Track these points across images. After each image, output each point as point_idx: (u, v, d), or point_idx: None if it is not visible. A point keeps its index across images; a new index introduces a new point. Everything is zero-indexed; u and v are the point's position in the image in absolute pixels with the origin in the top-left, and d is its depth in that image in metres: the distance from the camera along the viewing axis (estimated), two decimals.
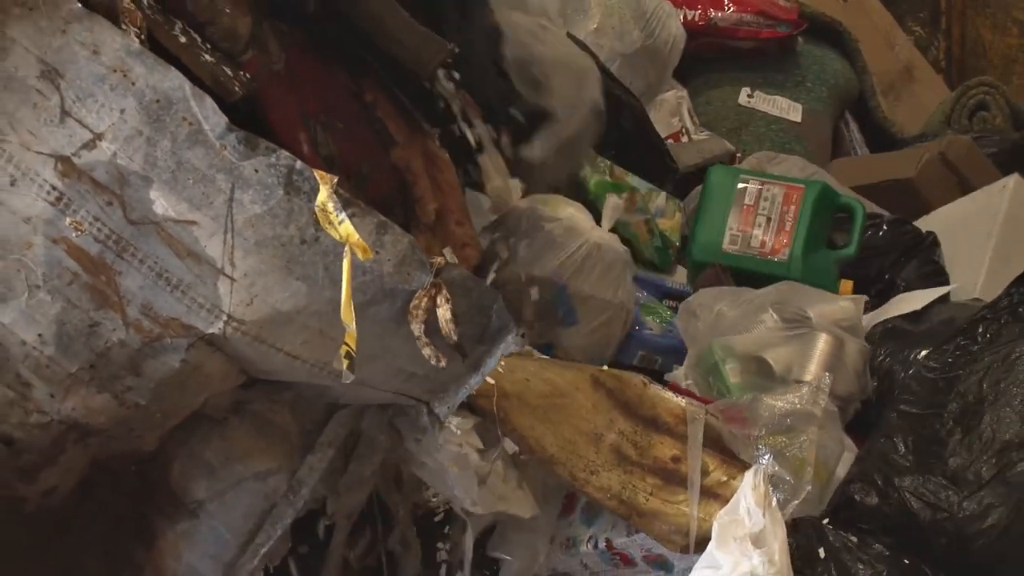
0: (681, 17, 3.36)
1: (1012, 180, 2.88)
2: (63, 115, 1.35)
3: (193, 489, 1.66)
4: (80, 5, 1.34)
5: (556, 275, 2.29)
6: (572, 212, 2.35)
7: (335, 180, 1.30)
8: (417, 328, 1.35)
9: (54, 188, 1.36)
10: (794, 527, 1.86)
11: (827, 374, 2.17)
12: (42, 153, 1.36)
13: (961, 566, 1.85)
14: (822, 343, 2.26)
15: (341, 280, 1.32)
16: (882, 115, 3.77)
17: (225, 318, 1.36)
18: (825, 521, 1.94)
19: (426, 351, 1.35)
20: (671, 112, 3.37)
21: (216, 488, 1.67)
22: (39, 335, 1.39)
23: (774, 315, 2.30)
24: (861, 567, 1.88)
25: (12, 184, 1.37)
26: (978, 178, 3.09)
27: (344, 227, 1.28)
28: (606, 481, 1.83)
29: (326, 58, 1.75)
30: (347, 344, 1.28)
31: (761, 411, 2.08)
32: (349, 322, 1.28)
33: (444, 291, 1.36)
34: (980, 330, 2.12)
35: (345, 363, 1.28)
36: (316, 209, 1.29)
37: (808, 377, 2.24)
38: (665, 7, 3.17)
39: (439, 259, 1.38)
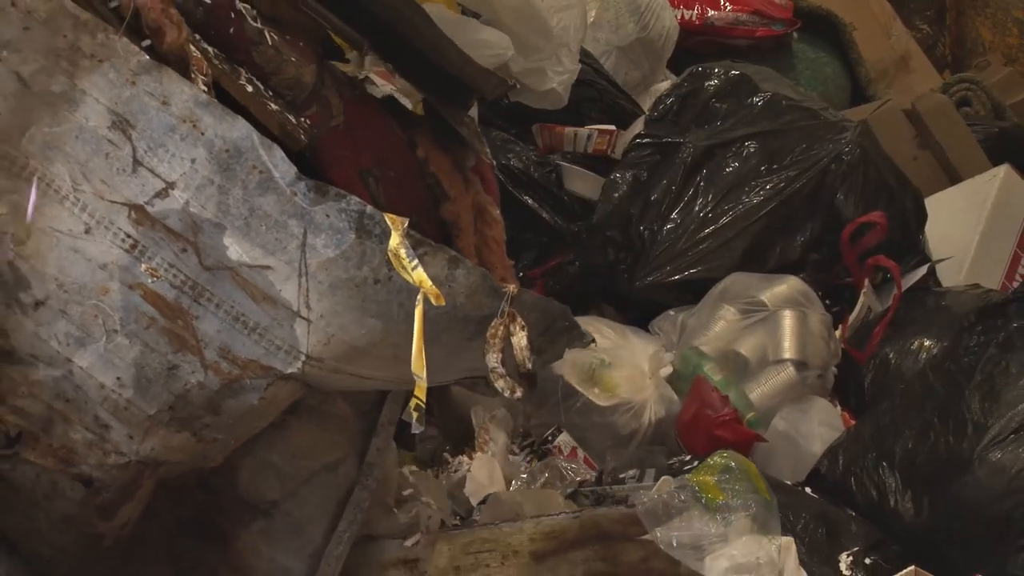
0: (679, 16, 3.43)
1: (1002, 170, 2.99)
2: (135, 165, 1.38)
3: (264, 492, 1.71)
4: (148, 57, 1.36)
5: None
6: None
7: (406, 223, 1.34)
8: (494, 359, 1.38)
9: (129, 236, 1.39)
10: None
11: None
12: (116, 202, 1.39)
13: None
14: (788, 320, 2.34)
15: (415, 315, 1.35)
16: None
17: (304, 358, 1.39)
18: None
19: (499, 383, 1.39)
20: None
21: (288, 487, 1.72)
22: (117, 378, 1.43)
23: (731, 309, 2.35)
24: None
25: (87, 232, 1.40)
26: (948, 139, 3.12)
27: (417, 273, 1.31)
28: None
29: (381, 108, 1.78)
30: (417, 397, 1.31)
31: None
32: (420, 373, 1.31)
33: (519, 319, 1.39)
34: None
35: (415, 416, 1.31)
36: (389, 254, 1.32)
37: (786, 355, 2.30)
38: (659, 0, 3.25)
39: (512, 287, 1.41)
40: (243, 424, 1.48)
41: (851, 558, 2.03)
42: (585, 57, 2.89)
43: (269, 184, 1.35)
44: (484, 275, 1.40)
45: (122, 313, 1.41)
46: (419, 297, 1.31)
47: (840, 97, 3.67)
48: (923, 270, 2.64)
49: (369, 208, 1.34)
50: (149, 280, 1.39)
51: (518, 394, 1.40)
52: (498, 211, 1.92)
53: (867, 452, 2.19)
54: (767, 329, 2.35)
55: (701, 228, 2.56)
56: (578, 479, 2.31)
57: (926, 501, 2.06)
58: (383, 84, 1.79)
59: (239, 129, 1.36)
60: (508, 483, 2.27)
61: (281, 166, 1.35)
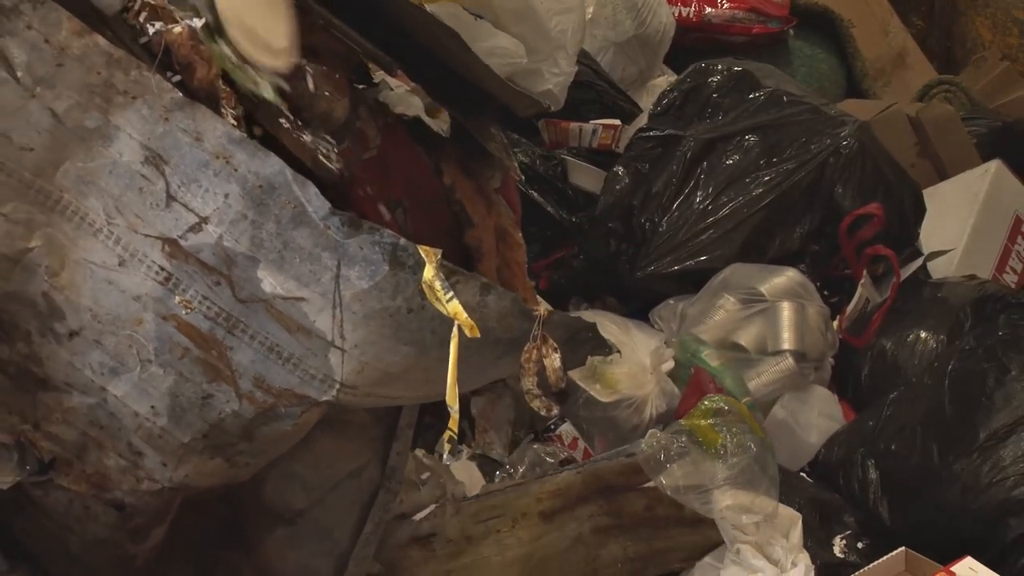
0: (676, 14, 3.49)
1: (994, 165, 3.07)
2: (169, 199, 1.40)
3: (290, 502, 1.75)
4: (181, 94, 1.39)
5: None
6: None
7: (439, 254, 1.37)
8: (530, 382, 1.42)
9: (162, 269, 1.42)
10: None
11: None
12: (149, 236, 1.41)
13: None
14: (787, 311, 2.39)
15: (448, 339, 1.38)
16: (872, 97, 3.87)
17: (338, 387, 1.42)
18: None
19: (535, 403, 1.43)
20: None
21: (314, 496, 1.76)
22: (152, 407, 1.46)
23: (730, 299, 2.40)
24: None
25: (121, 264, 1.42)
26: (947, 150, 3.18)
27: (452, 305, 1.34)
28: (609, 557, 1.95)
29: (409, 133, 1.81)
30: (450, 430, 1.35)
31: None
32: (453, 405, 1.35)
33: (550, 341, 1.43)
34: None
35: (448, 448, 1.35)
36: (423, 285, 1.36)
37: (785, 346, 2.35)
38: None
39: (542, 309, 1.44)
40: (275, 447, 1.51)
41: (844, 541, 2.10)
42: (584, 58, 2.95)
43: (303, 218, 1.38)
44: (515, 299, 1.43)
45: (156, 343, 1.43)
46: (454, 330, 1.34)
47: (835, 94, 3.71)
48: (920, 261, 2.70)
49: (402, 240, 1.37)
50: (183, 312, 1.42)
51: (554, 412, 1.44)
52: (520, 234, 1.96)
53: (858, 447, 2.24)
54: (766, 320, 2.40)
55: (701, 219, 2.60)
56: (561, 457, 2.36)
57: (900, 505, 2.11)
58: (400, 86, 1.81)
59: (272, 165, 1.38)
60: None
61: (314, 201, 1.38)
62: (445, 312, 1.35)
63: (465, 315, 1.34)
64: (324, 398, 1.43)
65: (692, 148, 2.63)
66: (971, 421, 2.08)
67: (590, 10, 3.12)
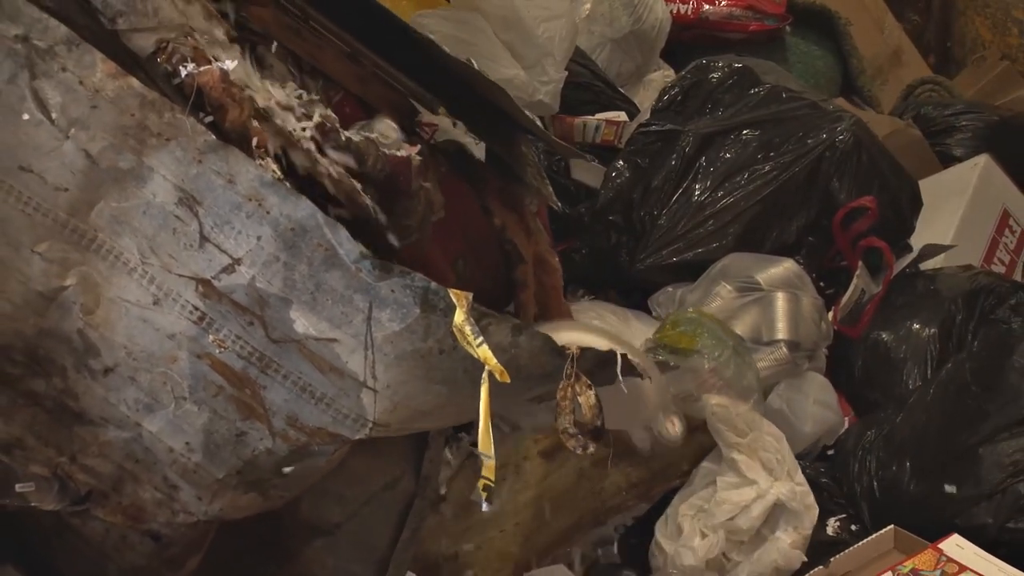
0: (674, 11, 3.52)
1: (983, 159, 3.10)
2: (202, 240, 1.41)
3: (327, 517, 1.78)
4: (214, 137, 1.39)
5: None
6: None
7: (469, 298, 1.38)
8: (566, 421, 1.43)
9: (196, 308, 1.43)
10: None
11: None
12: (183, 276, 1.42)
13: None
14: (781, 301, 2.40)
15: (480, 377, 1.39)
16: (867, 95, 3.91)
17: (371, 425, 1.44)
18: None
19: (570, 443, 1.44)
20: (658, 90, 3.50)
21: (349, 510, 1.78)
22: (186, 443, 1.47)
23: (727, 287, 2.41)
24: None
25: (155, 303, 1.44)
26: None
27: (482, 350, 1.35)
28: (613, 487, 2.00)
29: (458, 175, 1.83)
30: (486, 478, 1.36)
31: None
32: (488, 452, 1.35)
33: (584, 379, 1.44)
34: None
35: (484, 495, 1.35)
36: (454, 329, 1.36)
37: (779, 335, 2.37)
38: None
39: (575, 347, 1.45)
40: (309, 480, 1.53)
41: (838, 523, 2.12)
42: (581, 58, 2.99)
43: (334, 261, 1.39)
44: (546, 339, 1.44)
45: (190, 381, 1.45)
46: (484, 376, 1.34)
47: (831, 91, 3.72)
48: (914, 254, 2.72)
49: (433, 284, 1.38)
50: (217, 351, 1.43)
51: (590, 450, 1.45)
52: (556, 258, 1.97)
53: (858, 445, 2.25)
54: (761, 309, 2.41)
55: (700, 212, 2.62)
56: None
57: (874, 514, 2.13)
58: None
59: (303, 208, 1.39)
60: None
61: (346, 244, 1.38)
62: (476, 356, 1.36)
63: (495, 361, 1.34)
64: (357, 436, 1.45)
65: (692, 143, 2.66)
66: (965, 432, 2.08)
67: (587, 6, 3.17)
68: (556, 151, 1.87)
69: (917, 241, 2.77)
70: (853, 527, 2.14)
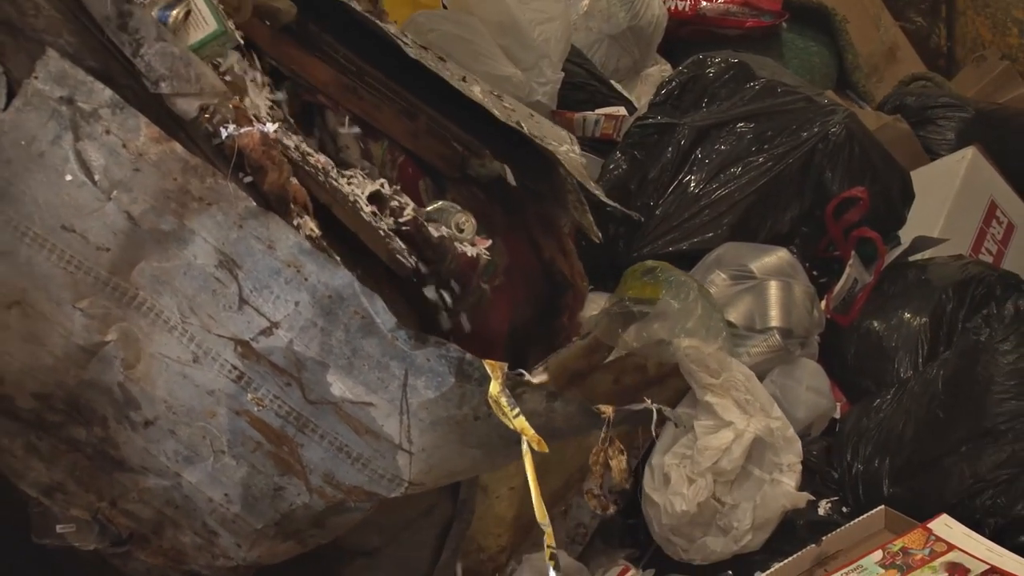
0: (672, 7, 3.57)
1: (970, 151, 3.11)
2: (241, 303, 1.43)
3: (366, 543, 1.81)
4: (255, 204, 1.41)
5: None
6: None
7: (504, 368, 1.39)
8: (594, 483, 1.46)
9: (235, 367, 1.45)
10: None
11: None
12: (222, 336, 1.45)
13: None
14: (774, 289, 2.42)
15: (514, 440, 1.40)
16: (862, 90, 3.91)
17: (406, 485, 1.47)
18: None
19: (593, 503, 1.47)
20: (655, 84, 3.53)
21: (388, 535, 1.82)
22: (225, 495, 1.51)
23: (722, 275, 2.43)
24: None
25: (195, 361, 1.46)
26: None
27: (519, 421, 1.37)
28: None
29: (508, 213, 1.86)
30: (550, 547, 1.37)
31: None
32: (544, 521, 1.37)
33: (618, 443, 1.46)
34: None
35: (551, 564, 1.37)
36: (489, 399, 1.39)
37: (772, 323, 2.39)
38: None
39: (608, 410, 1.47)
40: (347, 527, 1.56)
41: (830, 505, 2.15)
42: (577, 57, 3.02)
43: (371, 328, 1.41)
44: (581, 405, 1.46)
45: (229, 436, 1.48)
46: (524, 447, 1.37)
47: (826, 87, 3.72)
48: (903, 245, 2.74)
49: (468, 356, 1.40)
50: (255, 408, 1.46)
51: (610, 511, 1.48)
52: (585, 282, 2.01)
53: (850, 433, 2.28)
54: (754, 297, 2.43)
55: (695, 203, 2.65)
56: None
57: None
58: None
59: (341, 277, 1.41)
60: None
61: (382, 314, 1.40)
62: (512, 427, 1.38)
63: (532, 431, 1.36)
64: (393, 495, 1.48)
65: (688, 135, 2.69)
66: (962, 422, 2.11)
67: (585, 3, 3.22)
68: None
69: (906, 232, 2.80)
70: (844, 509, 2.17)
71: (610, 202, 1.91)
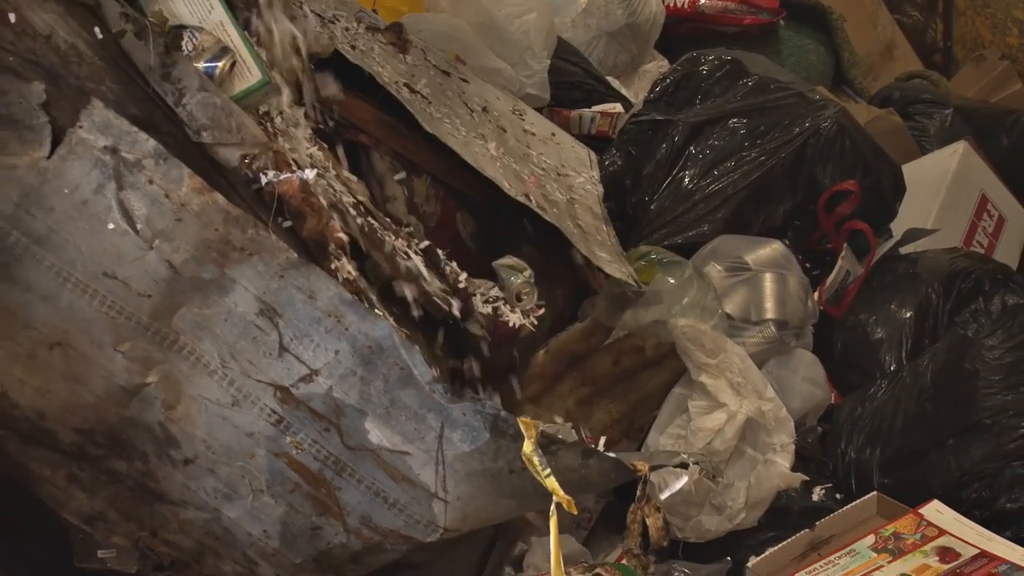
0: (671, 4, 3.61)
1: (961, 145, 3.12)
2: (281, 350, 1.45)
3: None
4: (296, 255, 1.42)
5: None
6: None
7: (539, 428, 1.41)
8: (633, 543, 1.48)
9: (274, 412, 1.48)
10: None
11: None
12: (262, 381, 1.47)
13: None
14: (768, 281, 2.44)
15: (550, 493, 1.43)
16: (858, 87, 3.91)
17: (442, 531, 1.50)
18: None
19: (632, 562, 1.50)
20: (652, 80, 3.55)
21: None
22: (264, 531, 1.54)
23: (717, 267, 2.45)
24: None
25: (234, 404, 1.49)
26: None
27: (550, 481, 1.39)
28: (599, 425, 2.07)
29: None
30: None
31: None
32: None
33: (653, 501, 1.49)
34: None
35: None
36: (523, 457, 1.41)
37: (767, 315, 2.41)
38: None
39: (643, 466, 1.49)
40: (385, 563, 1.60)
41: (823, 491, 2.19)
42: (574, 56, 3.05)
43: (409, 380, 1.43)
44: (616, 463, 1.48)
45: (268, 476, 1.51)
46: (552, 508, 1.39)
47: (822, 84, 3.73)
48: (895, 239, 2.76)
49: (503, 412, 1.42)
50: (294, 451, 1.49)
51: (651, 571, 1.51)
52: None
53: (845, 422, 2.31)
54: (749, 289, 2.45)
55: (689, 198, 2.68)
56: None
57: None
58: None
59: (381, 328, 1.42)
60: None
61: (420, 366, 1.42)
62: (544, 486, 1.40)
63: (563, 493, 1.38)
64: (428, 539, 1.51)
65: (681, 131, 2.71)
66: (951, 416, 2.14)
67: (583, 0, 3.27)
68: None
69: (899, 225, 2.82)
70: (838, 495, 2.20)
71: (616, 273, 1.93)
